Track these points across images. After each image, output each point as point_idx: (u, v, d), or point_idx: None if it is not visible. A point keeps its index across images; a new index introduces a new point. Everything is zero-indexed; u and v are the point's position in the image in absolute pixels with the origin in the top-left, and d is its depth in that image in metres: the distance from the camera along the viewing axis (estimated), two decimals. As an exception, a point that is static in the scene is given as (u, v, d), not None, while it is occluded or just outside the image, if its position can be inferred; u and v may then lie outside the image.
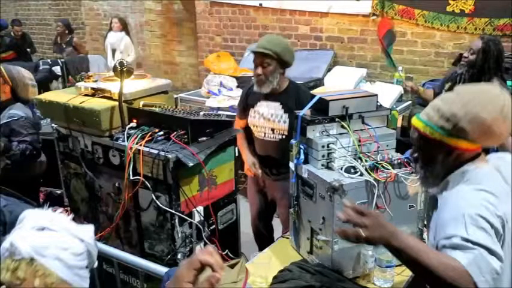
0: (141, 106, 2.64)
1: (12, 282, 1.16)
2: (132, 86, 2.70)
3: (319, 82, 4.83)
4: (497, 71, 3.31)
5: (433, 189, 1.60)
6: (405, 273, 2.06)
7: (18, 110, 3.16)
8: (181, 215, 2.42)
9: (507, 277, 1.40)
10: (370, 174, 2.01)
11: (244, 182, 3.69)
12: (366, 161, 2.06)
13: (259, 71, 2.79)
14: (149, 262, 2.23)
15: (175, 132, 2.41)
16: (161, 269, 2.11)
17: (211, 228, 2.62)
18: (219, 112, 3.13)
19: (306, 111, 2.18)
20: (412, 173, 2.03)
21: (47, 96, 2.85)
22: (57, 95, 2.84)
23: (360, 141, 2.12)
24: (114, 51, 6.83)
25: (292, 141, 2.18)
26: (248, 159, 3.03)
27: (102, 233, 2.68)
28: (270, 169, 3.01)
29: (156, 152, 2.36)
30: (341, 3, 5.39)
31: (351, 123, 2.15)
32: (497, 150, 1.88)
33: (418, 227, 2.18)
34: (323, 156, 2.09)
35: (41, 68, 6.67)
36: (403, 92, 4.51)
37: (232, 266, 2.04)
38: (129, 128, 2.52)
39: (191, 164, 2.32)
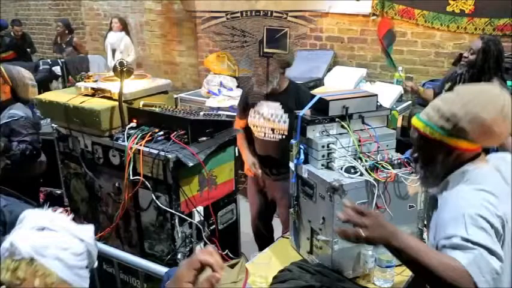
0: (141, 106, 2.64)
1: (12, 282, 1.16)
2: (132, 86, 2.70)
3: (319, 82, 4.83)
4: (497, 71, 3.31)
5: (433, 189, 1.60)
6: (405, 273, 2.07)
7: (18, 110, 3.15)
8: (181, 215, 2.42)
9: (507, 277, 1.40)
10: (370, 174, 2.01)
11: (244, 182, 3.69)
12: (366, 161, 2.06)
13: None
14: (149, 262, 2.23)
15: (175, 132, 2.41)
16: (161, 269, 2.11)
17: (211, 228, 2.62)
18: (219, 112, 3.13)
19: (306, 111, 2.18)
20: (412, 173, 2.03)
21: (47, 96, 2.85)
22: (57, 95, 2.84)
23: (360, 141, 2.12)
24: (114, 51, 6.83)
25: (292, 141, 2.18)
26: (248, 159, 3.03)
27: (102, 233, 2.68)
28: (270, 169, 3.01)
29: (156, 152, 2.36)
30: (341, 3, 5.38)
31: (351, 123, 2.15)
32: (497, 150, 1.88)
33: (418, 227, 2.18)
34: (323, 156, 2.09)
35: (41, 68, 6.67)
36: (403, 92, 4.51)
37: (232, 266, 2.04)
38: (129, 128, 2.52)
39: (191, 164, 2.32)
